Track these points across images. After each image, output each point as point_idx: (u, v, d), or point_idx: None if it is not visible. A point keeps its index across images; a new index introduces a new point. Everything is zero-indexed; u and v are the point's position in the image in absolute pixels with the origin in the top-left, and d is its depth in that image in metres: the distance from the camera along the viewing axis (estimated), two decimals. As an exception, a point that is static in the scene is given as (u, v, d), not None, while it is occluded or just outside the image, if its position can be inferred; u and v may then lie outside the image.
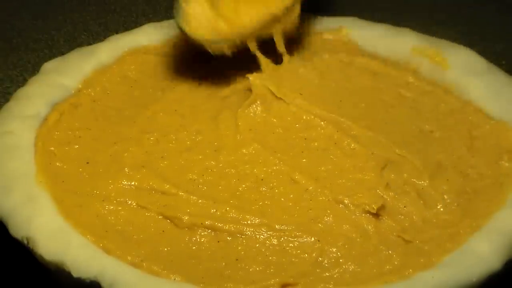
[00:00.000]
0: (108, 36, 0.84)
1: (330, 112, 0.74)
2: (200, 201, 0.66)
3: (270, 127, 0.74)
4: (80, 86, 0.78)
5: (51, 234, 0.62)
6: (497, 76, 0.77)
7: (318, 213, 0.66)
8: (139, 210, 0.66)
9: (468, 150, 0.71)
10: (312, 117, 0.74)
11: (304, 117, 0.74)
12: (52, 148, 0.71)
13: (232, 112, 0.75)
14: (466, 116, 0.74)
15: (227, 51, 0.76)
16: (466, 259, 0.60)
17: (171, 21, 0.86)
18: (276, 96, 0.75)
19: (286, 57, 0.79)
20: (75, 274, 0.60)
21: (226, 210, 0.65)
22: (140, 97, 0.78)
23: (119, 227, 0.65)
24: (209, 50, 0.76)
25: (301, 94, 0.76)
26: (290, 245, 0.64)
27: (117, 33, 0.85)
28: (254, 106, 0.75)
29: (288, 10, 0.78)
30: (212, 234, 0.64)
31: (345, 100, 0.76)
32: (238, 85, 0.78)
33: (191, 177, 0.69)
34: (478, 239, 0.62)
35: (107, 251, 0.62)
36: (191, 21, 0.75)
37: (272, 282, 0.60)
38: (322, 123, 0.73)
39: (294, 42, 0.82)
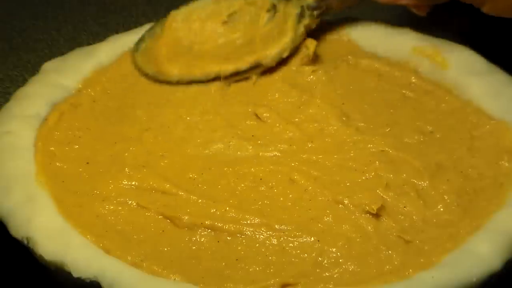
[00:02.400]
0: (108, 36, 0.84)
1: (333, 114, 0.74)
2: (200, 200, 0.66)
3: (269, 125, 0.74)
4: (80, 86, 0.78)
5: (51, 234, 0.62)
6: (497, 76, 0.77)
7: (318, 213, 0.66)
8: (139, 210, 0.66)
9: (468, 150, 0.71)
10: (313, 117, 0.74)
11: (305, 117, 0.74)
12: (52, 148, 0.71)
13: (231, 109, 0.75)
14: (466, 116, 0.74)
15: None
16: (466, 259, 0.60)
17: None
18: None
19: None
20: (75, 274, 0.60)
21: (225, 210, 0.65)
22: (139, 96, 0.78)
23: (119, 227, 0.65)
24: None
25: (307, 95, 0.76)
26: (290, 245, 0.63)
27: (117, 33, 0.85)
28: (255, 103, 0.75)
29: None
30: (212, 234, 0.64)
31: (349, 102, 0.76)
32: (239, 82, 0.78)
33: (191, 176, 0.69)
34: (478, 239, 0.62)
35: (107, 251, 0.62)
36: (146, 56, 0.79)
37: (272, 282, 0.60)
38: (323, 123, 0.73)
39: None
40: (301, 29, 0.80)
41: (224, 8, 0.81)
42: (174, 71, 0.78)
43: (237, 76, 0.78)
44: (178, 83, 0.78)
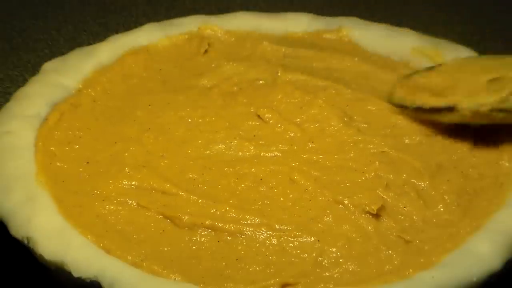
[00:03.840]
0: (108, 36, 0.84)
1: (334, 114, 0.74)
2: (200, 200, 0.66)
3: (271, 125, 0.74)
4: (80, 86, 0.78)
5: (52, 234, 0.62)
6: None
7: (318, 213, 0.66)
8: (139, 210, 0.66)
9: (469, 150, 0.71)
10: (315, 117, 0.74)
11: (306, 117, 0.74)
12: (52, 148, 0.71)
13: (233, 110, 0.75)
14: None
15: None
16: (466, 259, 0.60)
17: (171, 21, 0.87)
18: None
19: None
20: (75, 274, 0.60)
21: (226, 209, 0.65)
22: (140, 97, 0.78)
23: (120, 227, 0.65)
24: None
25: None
26: (290, 245, 0.63)
27: (117, 33, 0.85)
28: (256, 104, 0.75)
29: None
30: (212, 234, 0.64)
31: (353, 103, 0.76)
32: (239, 82, 0.78)
33: (191, 176, 0.69)
34: (478, 239, 0.62)
35: (108, 251, 0.62)
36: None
37: (272, 282, 0.60)
38: (324, 124, 0.73)
39: (299, 43, 0.83)
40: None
41: (496, 67, 0.73)
42: (398, 93, 0.76)
43: (434, 114, 0.73)
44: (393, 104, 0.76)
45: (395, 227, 0.64)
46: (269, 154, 0.71)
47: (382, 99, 0.77)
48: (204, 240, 0.64)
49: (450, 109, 0.71)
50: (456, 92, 0.72)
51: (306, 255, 0.63)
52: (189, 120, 0.74)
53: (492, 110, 0.69)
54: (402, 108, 0.75)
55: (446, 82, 0.74)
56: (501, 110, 0.69)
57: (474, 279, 0.59)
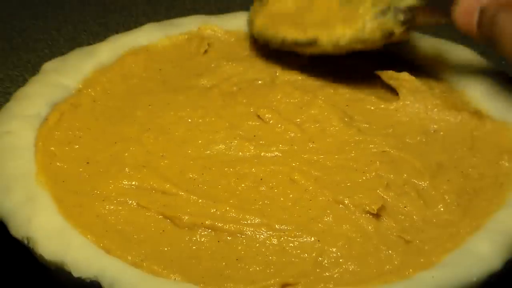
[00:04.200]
0: (108, 36, 0.84)
1: (335, 114, 0.74)
2: (200, 200, 0.66)
3: (271, 125, 0.74)
4: (80, 86, 0.78)
5: (52, 234, 0.62)
6: (496, 76, 0.77)
7: (318, 213, 0.66)
8: (139, 210, 0.66)
9: (469, 150, 0.71)
10: (315, 117, 0.74)
11: (307, 117, 0.74)
12: (53, 148, 0.71)
13: (233, 110, 0.75)
14: (467, 116, 0.74)
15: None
16: (466, 259, 0.60)
17: (171, 21, 0.87)
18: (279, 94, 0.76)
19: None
20: (75, 274, 0.59)
21: (226, 209, 0.65)
22: (140, 97, 0.78)
23: (120, 227, 0.65)
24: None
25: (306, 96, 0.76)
26: (290, 245, 0.63)
27: (117, 33, 0.85)
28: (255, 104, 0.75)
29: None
30: (212, 234, 0.64)
31: (353, 103, 0.76)
32: (239, 83, 0.78)
33: (191, 176, 0.69)
34: (478, 239, 0.62)
35: (108, 250, 0.62)
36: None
37: (272, 282, 0.60)
38: (325, 124, 0.73)
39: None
40: (374, 25, 0.72)
41: None
42: (258, 23, 0.78)
43: (297, 47, 0.76)
44: (257, 39, 0.79)
45: (395, 227, 0.64)
46: (269, 154, 0.71)
47: (381, 98, 0.77)
48: (204, 240, 0.64)
49: (312, 43, 0.74)
50: (315, 23, 0.75)
51: (306, 255, 0.63)
52: (189, 120, 0.74)
53: (351, 42, 0.72)
54: (266, 42, 0.77)
55: (300, 3, 0.76)
56: (359, 41, 0.72)
57: (474, 279, 0.59)
